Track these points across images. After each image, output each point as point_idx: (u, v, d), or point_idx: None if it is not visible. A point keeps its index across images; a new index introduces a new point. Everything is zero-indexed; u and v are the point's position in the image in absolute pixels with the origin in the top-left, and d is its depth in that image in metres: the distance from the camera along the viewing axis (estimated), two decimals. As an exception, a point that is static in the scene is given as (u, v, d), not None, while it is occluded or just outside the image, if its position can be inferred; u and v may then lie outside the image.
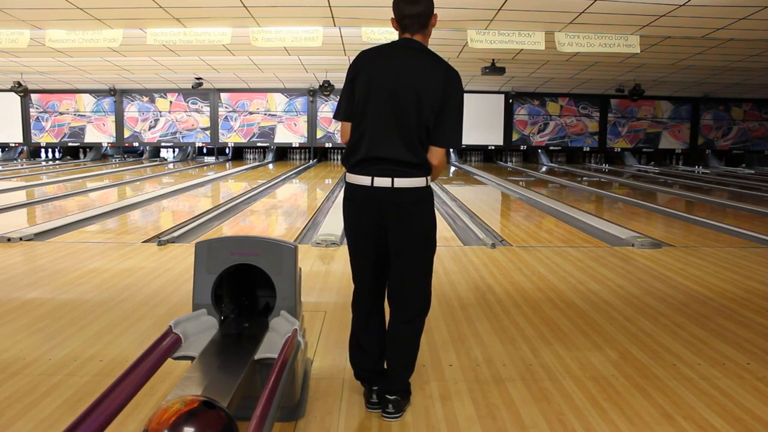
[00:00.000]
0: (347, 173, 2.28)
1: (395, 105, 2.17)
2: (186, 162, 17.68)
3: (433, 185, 2.32)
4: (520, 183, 12.11)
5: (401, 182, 2.18)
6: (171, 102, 17.80)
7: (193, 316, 2.24)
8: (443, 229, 6.52)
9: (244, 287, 2.46)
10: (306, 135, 17.79)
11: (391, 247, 2.26)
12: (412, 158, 2.18)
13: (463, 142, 17.85)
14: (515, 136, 18.15)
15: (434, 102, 2.17)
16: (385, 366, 2.36)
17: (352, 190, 2.27)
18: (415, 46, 2.25)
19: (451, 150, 18.18)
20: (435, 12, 2.26)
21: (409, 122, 2.17)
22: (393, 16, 2.26)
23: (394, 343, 2.31)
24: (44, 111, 17.87)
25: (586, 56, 11.00)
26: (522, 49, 9.37)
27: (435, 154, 2.23)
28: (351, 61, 2.28)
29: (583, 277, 4.39)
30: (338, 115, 2.32)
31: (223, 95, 17.64)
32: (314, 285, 4.14)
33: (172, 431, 1.35)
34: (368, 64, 2.24)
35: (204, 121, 17.82)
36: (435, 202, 2.33)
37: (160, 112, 17.85)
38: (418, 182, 2.20)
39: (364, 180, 2.20)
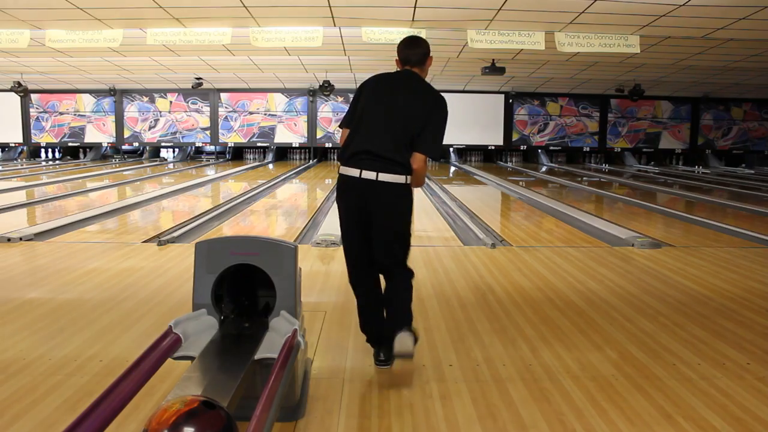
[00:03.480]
0: (340, 166, 2.63)
1: (388, 116, 2.58)
2: (186, 162, 17.68)
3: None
4: (520, 183, 12.11)
5: (384, 177, 2.53)
6: (171, 102, 17.79)
7: (193, 316, 2.23)
8: (443, 229, 6.52)
9: (244, 287, 2.46)
10: (306, 135, 17.80)
11: (373, 231, 2.61)
12: (397, 157, 2.54)
13: (463, 142, 17.96)
14: (515, 136, 18.15)
15: (419, 121, 2.58)
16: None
17: (342, 181, 2.64)
18: (414, 77, 2.69)
19: (451, 150, 18.27)
20: (431, 55, 2.74)
21: (397, 130, 2.56)
22: (397, 58, 2.73)
23: (392, 304, 2.64)
24: (44, 111, 17.87)
25: (586, 56, 10.99)
26: (522, 49, 9.37)
27: (416, 160, 2.58)
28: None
29: (582, 277, 4.39)
30: (342, 124, 2.74)
31: (223, 95, 17.64)
32: (314, 285, 4.14)
33: (172, 431, 1.35)
34: (373, 85, 2.69)
35: (204, 121, 17.82)
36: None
37: (160, 112, 17.85)
38: (399, 179, 2.55)
39: (354, 172, 2.55)
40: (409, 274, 2.68)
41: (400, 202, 2.59)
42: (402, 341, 2.45)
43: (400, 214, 2.62)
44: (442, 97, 2.64)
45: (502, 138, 18.09)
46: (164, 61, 12.43)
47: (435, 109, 2.61)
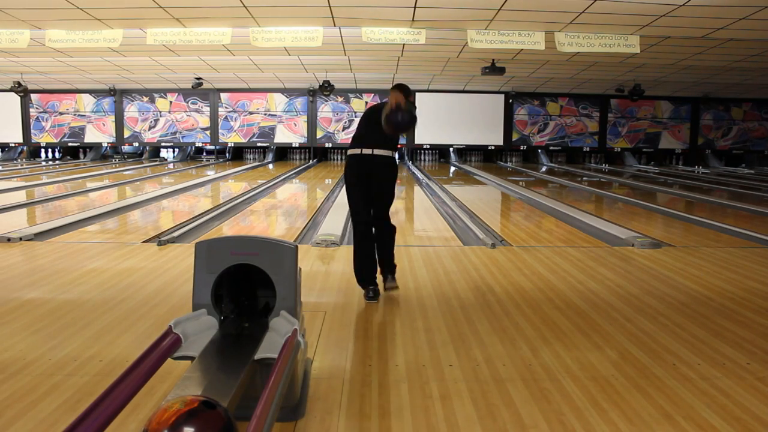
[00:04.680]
0: (348, 149, 3.92)
1: (380, 124, 3.81)
2: (186, 162, 17.69)
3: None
4: (520, 183, 12.12)
5: (378, 152, 3.81)
6: (171, 102, 17.80)
7: (193, 316, 2.23)
8: (443, 229, 6.52)
9: (244, 287, 2.46)
10: (306, 135, 17.80)
11: (373, 192, 3.84)
12: (385, 144, 3.82)
13: (463, 142, 18.02)
14: (515, 136, 18.15)
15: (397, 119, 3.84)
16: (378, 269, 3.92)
17: (350, 157, 3.90)
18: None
19: (451, 150, 18.33)
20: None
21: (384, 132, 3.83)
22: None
23: (382, 242, 3.91)
24: (44, 111, 17.87)
25: (586, 56, 11.00)
26: (522, 49, 9.37)
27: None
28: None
29: (583, 277, 4.39)
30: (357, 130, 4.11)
31: (223, 95, 17.64)
32: (314, 285, 4.14)
33: (172, 431, 1.35)
34: (375, 107, 3.98)
35: (204, 121, 17.83)
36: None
37: (160, 112, 17.85)
38: (387, 153, 3.84)
39: (357, 151, 3.85)
40: (393, 225, 3.96)
41: (390, 170, 3.87)
42: (390, 285, 3.86)
43: (390, 179, 3.88)
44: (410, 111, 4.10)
45: (502, 138, 18.09)
46: (164, 61, 12.43)
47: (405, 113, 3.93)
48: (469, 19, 8.09)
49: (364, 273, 3.82)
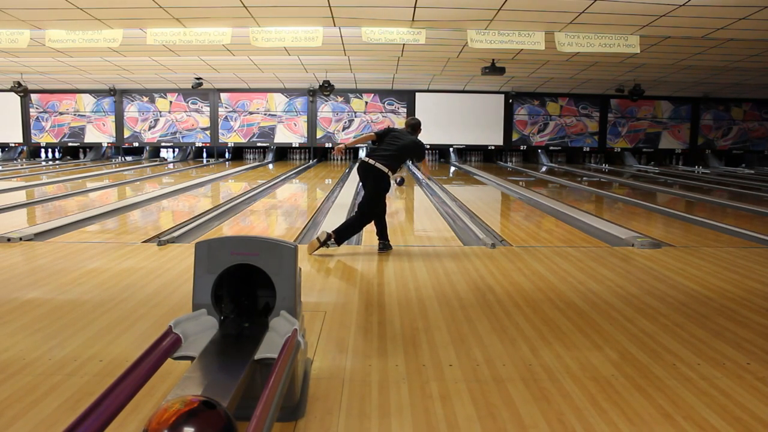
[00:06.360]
0: (363, 156, 5.40)
1: (395, 145, 5.21)
2: (186, 162, 17.68)
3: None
4: (520, 183, 12.12)
5: (377, 164, 5.09)
6: (171, 102, 17.80)
7: (193, 316, 2.23)
8: (443, 229, 6.52)
9: (244, 287, 2.46)
10: (306, 135, 17.80)
11: (365, 187, 5.28)
12: (386, 161, 5.12)
13: (463, 142, 18.02)
14: (515, 136, 18.16)
15: (411, 152, 5.36)
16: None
17: (360, 161, 5.25)
18: (412, 135, 5.40)
19: (451, 150, 18.33)
20: (421, 128, 5.58)
21: (396, 153, 5.21)
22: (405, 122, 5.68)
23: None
24: (44, 111, 17.87)
25: (586, 56, 11.00)
26: (522, 49, 9.37)
27: (422, 163, 5.83)
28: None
29: (583, 277, 4.39)
30: (377, 131, 5.38)
31: (223, 95, 17.64)
32: (314, 285, 4.14)
33: (172, 431, 1.35)
34: (397, 129, 5.41)
35: (204, 121, 17.83)
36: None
37: (160, 112, 17.85)
38: (383, 168, 5.09)
39: (366, 159, 5.18)
40: (377, 218, 5.26)
41: (381, 179, 5.11)
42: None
43: (374, 187, 5.14)
44: (422, 142, 5.46)
45: (502, 138, 18.10)
46: (164, 61, 12.43)
47: (418, 147, 5.37)
48: (469, 19, 8.09)
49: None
